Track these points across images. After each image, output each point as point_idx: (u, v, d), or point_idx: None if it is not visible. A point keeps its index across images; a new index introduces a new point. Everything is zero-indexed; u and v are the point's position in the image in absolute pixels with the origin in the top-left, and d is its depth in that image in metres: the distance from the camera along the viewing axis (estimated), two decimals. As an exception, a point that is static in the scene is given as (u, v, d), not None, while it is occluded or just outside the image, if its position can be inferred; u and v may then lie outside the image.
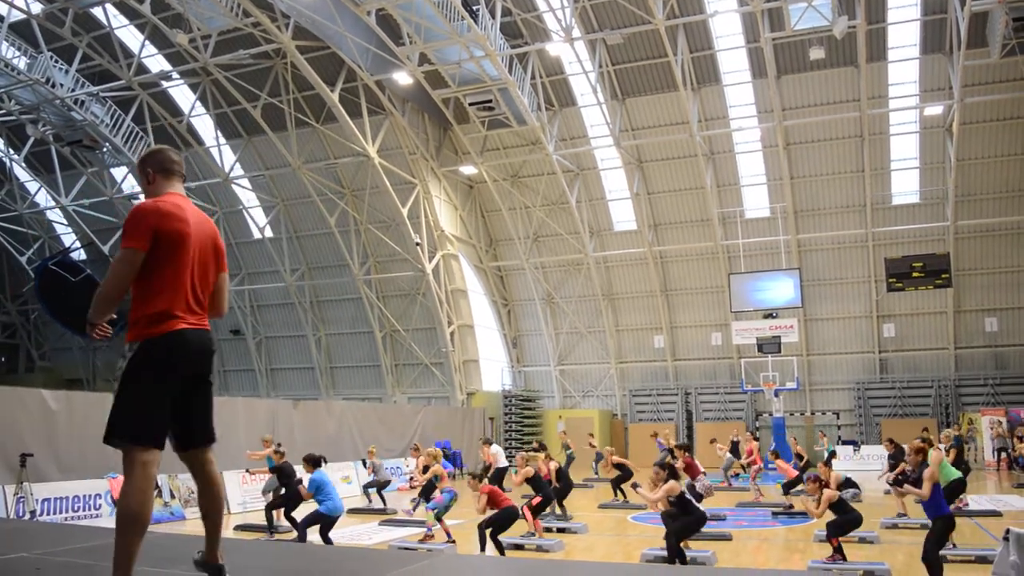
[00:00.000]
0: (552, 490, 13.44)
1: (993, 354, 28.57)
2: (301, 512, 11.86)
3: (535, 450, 15.61)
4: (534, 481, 13.05)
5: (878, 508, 15.44)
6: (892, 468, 14.76)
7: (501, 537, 10.69)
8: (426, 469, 14.26)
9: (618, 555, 12.00)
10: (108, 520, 14.09)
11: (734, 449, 20.55)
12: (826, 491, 10.59)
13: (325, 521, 10.87)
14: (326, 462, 11.96)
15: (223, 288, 3.93)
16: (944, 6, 24.06)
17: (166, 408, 3.53)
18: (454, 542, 12.03)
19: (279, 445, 14.54)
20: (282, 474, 13.27)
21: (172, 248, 3.58)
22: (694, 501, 9.99)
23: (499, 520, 10.57)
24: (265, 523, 13.10)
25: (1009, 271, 28.00)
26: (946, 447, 16.26)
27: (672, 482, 9.86)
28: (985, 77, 24.97)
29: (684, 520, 9.78)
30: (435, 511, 12.24)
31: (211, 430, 3.78)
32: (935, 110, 26.06)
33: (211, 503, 3.78)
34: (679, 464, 13.89)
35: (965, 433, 26.95)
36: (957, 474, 12.46)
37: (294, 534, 11.72)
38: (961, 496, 15.09)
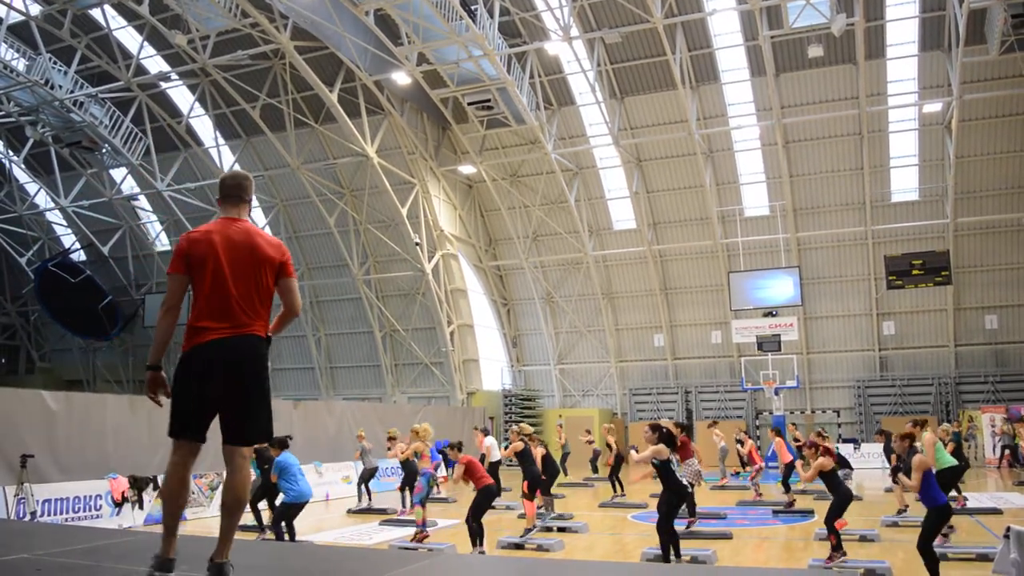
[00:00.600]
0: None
1: (993, 351, 28.58)
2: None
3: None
4: (522, 456, 13.04)
5: (878, 506, 15.45)
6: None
7: (501, 537, 10.69)
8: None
9: (618, 554, 12.00)
10: (108, 521, 14.10)
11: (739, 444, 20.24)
12: (821, 459, 10.40)
13: (295, 510, 10.61)
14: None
15: (289, 290, 4.35)
16: (942, 3, 24.06)
17: (192, 407, 4.06)
18: (424, 531, 11.93)
19: None
20: (261, 459, 12.97)
21: (200, 269, 4.13)
22: (678, 473, 9.75)
23: (477, 504, 10.56)
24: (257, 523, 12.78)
25: (1009, 268, 28.00)
26: (944, 440, 16.18)
27: (661, 446, 9.67)
28: (984, 74, 24.98)
29: (664, 503, 9.61)
30: (420, 500, 12.19)
31: (240, 430, 4.12)
32: (934, 107, 26.07)
33: (228, 498, 4.16)
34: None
35: (965, 431, 26.98)
36: (953, 461, 12.08)
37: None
38: (961, 494, 15.01)
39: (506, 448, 14.23)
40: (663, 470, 9.67)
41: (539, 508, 13.48)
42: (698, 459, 13.85)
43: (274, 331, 4.34)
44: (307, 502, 10.72)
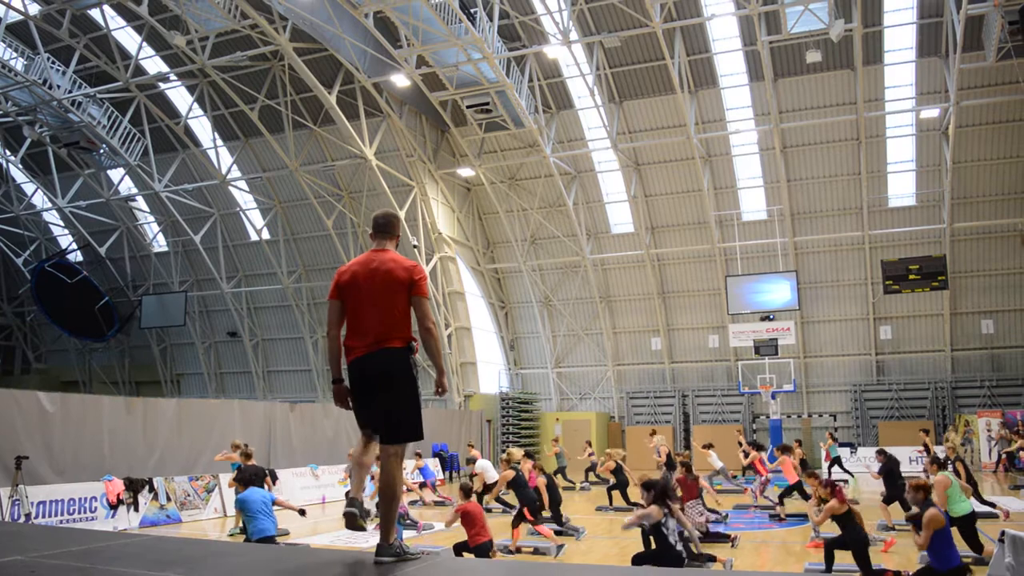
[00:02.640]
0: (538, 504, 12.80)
1: (989, 356, 28.62)
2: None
3: (527, 456, 15.03)
4: (515, 484, 12.69)
5: (873, 511, 15.43)
6: (888, 483, 14.30)
7: (497, 540, 10.64)
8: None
9: (615, 558, 12.00)
10: (104, 523, 14.08)
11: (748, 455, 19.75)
12: (831, 502, 9.69)
13: None
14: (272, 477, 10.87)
15: (415, 307, 4.91)
16: (940, 9, 24.12)
17: (359, 409, 4.90)
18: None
19: (246, 445, 13.96)
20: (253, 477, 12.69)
21: (345, 296, 4.94)
22: (672, 538, 8.83)
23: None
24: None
25: (1005, 273, 28.05)
26: (952, 459, 15.85)
27: (652, 508, 8.97)
28: (981, 80, 25.03)
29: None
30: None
31: (387, 430, 4.80)
32: (931, 113, 26.11)
33: (379, 490, 4.85)
34: (675, 477, 12.89)
35: (961, 436, 26.98)
36: (966, 508, 10.35)
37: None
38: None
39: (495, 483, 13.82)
40: (655, 534, 9.02)
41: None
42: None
43: (425, 348, 4.95)
44: (265, 538, 9.88)
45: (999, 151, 26.70)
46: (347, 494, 4.99)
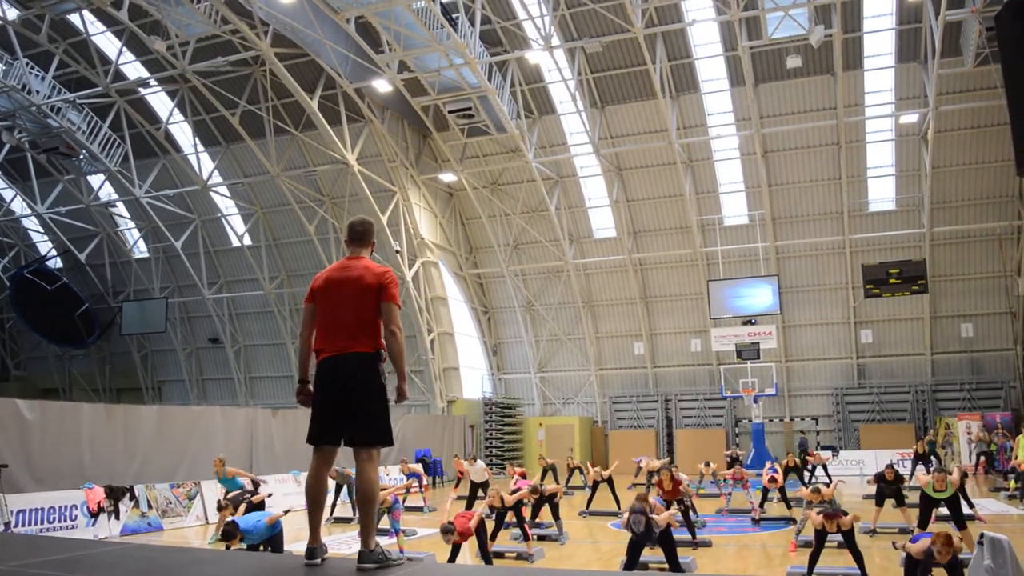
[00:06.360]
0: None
1: (969, 359, 28.87)
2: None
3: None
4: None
5: (857, 513, 15.51)
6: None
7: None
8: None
9: (597, 563, 12.01)
10: (84, 532, 13.94)
11: (732, 465, 19.68)
12: (812, 516, 10.10)
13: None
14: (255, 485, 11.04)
15: (383, 313, 4.84)
16: (919, 15, 24.36)
17: (321, 415, 4.81)
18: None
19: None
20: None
21: (318, 300, 4.96)
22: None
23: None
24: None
25: (984, 277, 28.31)
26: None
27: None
28: (959, 85, 25.28)
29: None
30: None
31: (358, 434, 4.75)
32: (911, 118, 26.35)
33: (357, 496, 4.81)
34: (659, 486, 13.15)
35: (941, 439, 27.21)
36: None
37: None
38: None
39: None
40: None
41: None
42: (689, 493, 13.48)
43: (388, 351, 4.85)
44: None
45: (978, 155, 26.96)
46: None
